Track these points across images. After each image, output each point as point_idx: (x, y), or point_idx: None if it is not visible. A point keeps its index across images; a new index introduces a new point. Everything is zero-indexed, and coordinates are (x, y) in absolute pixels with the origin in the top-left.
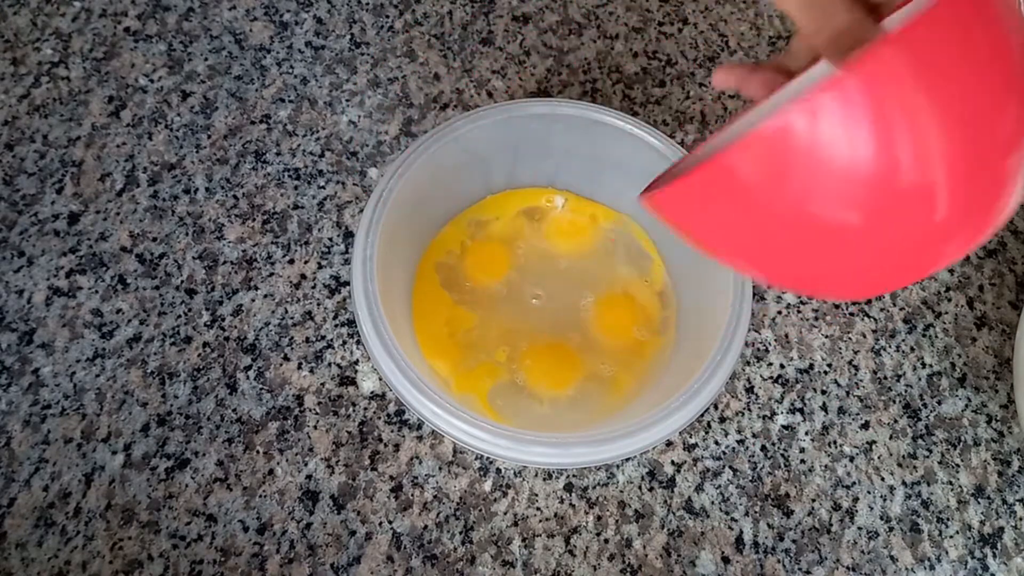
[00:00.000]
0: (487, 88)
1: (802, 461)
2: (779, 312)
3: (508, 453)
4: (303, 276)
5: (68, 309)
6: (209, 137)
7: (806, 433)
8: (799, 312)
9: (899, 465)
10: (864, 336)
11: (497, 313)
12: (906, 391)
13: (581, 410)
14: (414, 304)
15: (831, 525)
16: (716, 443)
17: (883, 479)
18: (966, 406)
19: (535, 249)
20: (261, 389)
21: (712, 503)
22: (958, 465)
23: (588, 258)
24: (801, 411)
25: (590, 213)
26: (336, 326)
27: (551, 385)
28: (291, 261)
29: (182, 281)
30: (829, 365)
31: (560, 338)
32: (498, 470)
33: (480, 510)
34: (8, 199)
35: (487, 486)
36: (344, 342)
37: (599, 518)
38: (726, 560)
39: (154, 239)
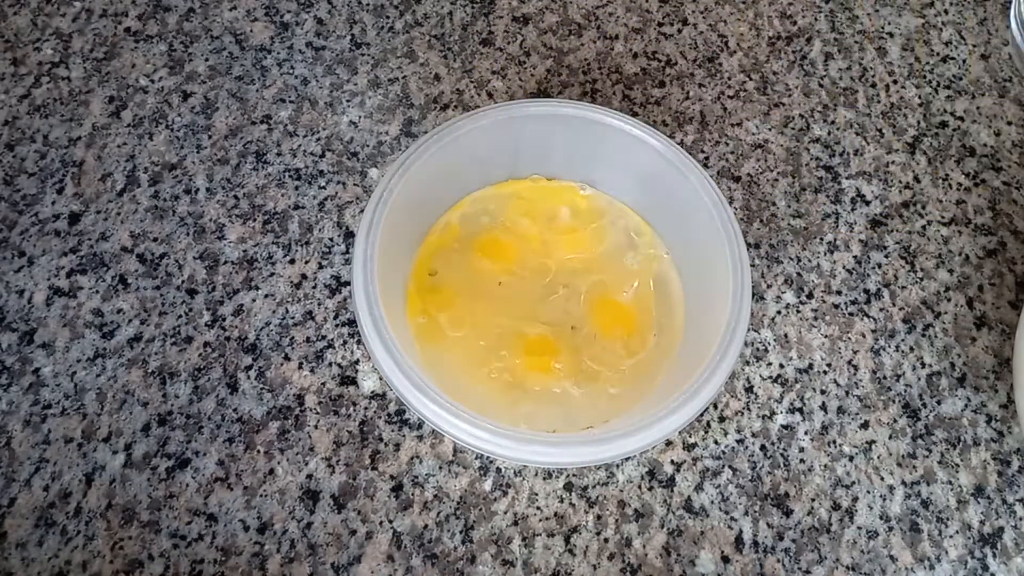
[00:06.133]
0: (487, 88)
1: (801, 461)
2: (779, 312)
3: (508, 453)
4: (304, 276)
5: (69, 309)
6: (210, 137)
7: (805, 433)
8: (799, 312)
9: (899, 465)
10: (864, 336)
11: (496, 312)
12: (906, 391)
13: (581, 409)
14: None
15: (831, 525)
16: (716, 443)
17: (883, 479)
18: (966, 406)
19: (535, 249)
20: (262, 389)
21: (712, 502)
22: (958, 465)
23: (590, 257)
24: (800, 411)
25: (594, 210)
26: (336, 326)
27: (551, 384)
28: (292, 261)
29: (183, 281)
30: (828, 365)
31: (561, 337)
32: (498, 470)
33: (480, 509)
34: (8, 199)
35: (487, 485)
36: (344, 342)
37: (599, 517)
38: (726, 559)
39: (155, 239)
